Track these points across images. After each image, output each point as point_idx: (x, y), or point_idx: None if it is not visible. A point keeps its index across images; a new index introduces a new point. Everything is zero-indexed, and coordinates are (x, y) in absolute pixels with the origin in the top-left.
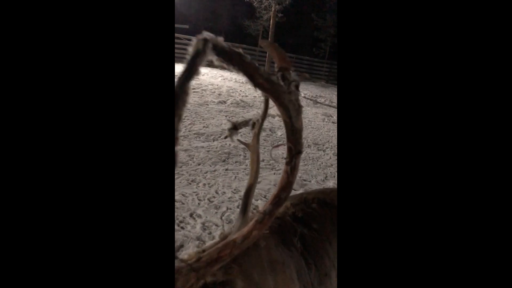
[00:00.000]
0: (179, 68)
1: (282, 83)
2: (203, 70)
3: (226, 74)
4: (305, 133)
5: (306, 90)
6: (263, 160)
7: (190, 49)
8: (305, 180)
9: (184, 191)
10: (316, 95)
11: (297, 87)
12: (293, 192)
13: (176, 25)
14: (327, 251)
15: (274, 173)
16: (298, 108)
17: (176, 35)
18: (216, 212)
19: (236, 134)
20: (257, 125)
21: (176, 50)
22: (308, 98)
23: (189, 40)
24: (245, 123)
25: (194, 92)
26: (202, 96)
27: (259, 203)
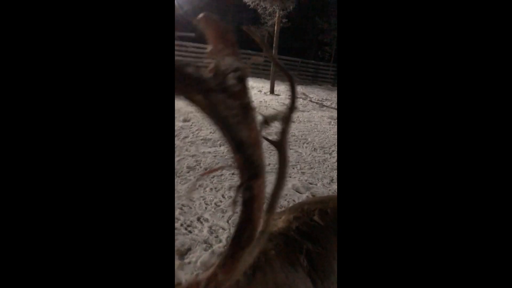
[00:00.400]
0: None
1: (208, 77)
2: None
3: None
4: (311, 137)
5: (312, 94)
6: (269, 164)
7: None
8: (311, 184)
9: (191, 196)
10: (322, 98)
11: (241, 79)
12: (298, 195)
13: (182, 34)
14: (332, 267)
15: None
16: (245, 110)
17: (182, 43)
18: (222, 216)
19: (268, 128)
20: (285, 119)
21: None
22: (314, 102)
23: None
24: (274, 117)
25: None
26: None
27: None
